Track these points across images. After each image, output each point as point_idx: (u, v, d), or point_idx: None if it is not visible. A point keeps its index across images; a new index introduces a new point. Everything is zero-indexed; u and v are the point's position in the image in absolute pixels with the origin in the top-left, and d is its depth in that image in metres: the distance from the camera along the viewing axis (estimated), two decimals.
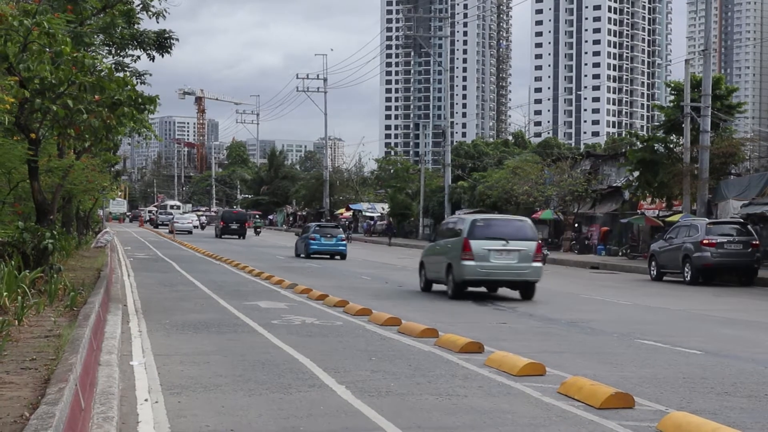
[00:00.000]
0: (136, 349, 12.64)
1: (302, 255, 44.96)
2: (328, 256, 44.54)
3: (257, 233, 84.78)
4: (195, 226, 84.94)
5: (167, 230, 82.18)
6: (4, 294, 13.58)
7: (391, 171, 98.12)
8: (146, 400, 9.16)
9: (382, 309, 18.33)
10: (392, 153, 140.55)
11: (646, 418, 8.77)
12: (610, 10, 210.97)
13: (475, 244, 22.25)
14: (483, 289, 23.71)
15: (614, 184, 55.32)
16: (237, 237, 72.41)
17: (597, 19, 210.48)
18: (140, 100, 17.42)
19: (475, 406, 9.24)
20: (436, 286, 24.68)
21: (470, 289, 23.27)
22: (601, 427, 8.41)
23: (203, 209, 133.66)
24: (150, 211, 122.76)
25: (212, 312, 18.04)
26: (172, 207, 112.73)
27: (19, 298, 13.39)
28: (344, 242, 45.88)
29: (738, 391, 10.51)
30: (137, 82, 27.96)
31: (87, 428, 7.24)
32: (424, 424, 8.39)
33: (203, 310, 18.28)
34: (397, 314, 17.06)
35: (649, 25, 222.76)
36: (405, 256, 49.46)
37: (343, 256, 44.63)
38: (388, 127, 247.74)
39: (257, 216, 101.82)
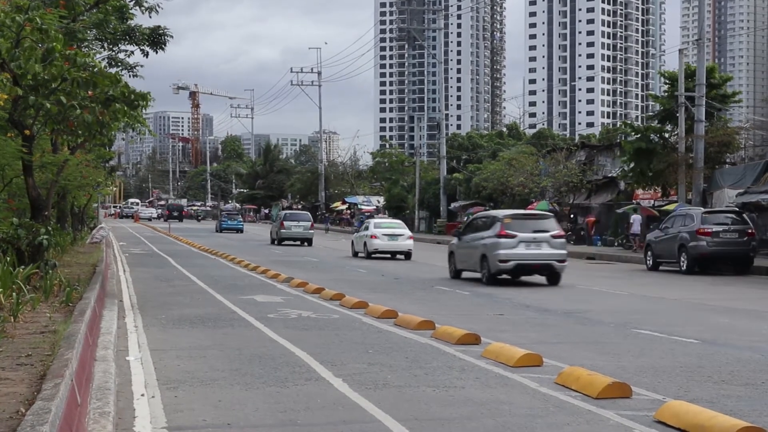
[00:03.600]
0: (132, 344, 12.62)
1: (218, 231, 75.26)
2: (235, 231, 74.17)
3: (198, 220, 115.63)
4: (154, 216, 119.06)
5: (133, 220, 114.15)
6: None
7: (386, 164, 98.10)
8: (143, 395, 9.14)
9: (378, 302, 18.32)
10: (387, 146, 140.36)
11: (643, 408, 8.77)
12: (603, 1, 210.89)
13: (286, 223, 52.43)
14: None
15: (609, 175, 55.34)
16: (177, 220, 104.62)
17: (590, 9, 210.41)
18: (132, 96, 17.38)
19: (472, 397, 9.23)
20: (440, 285, 24.86)
21: (464, 278, 23.55)
22: (598, 416, 8.40)
23: (198, 204, 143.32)
24: (115, 206, 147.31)
25: (208, 306, 18.03)
26: (132, 203, 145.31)
27: (14, 294, 13.35)
28: (242, 222, 79.74)
29: (735, 379, 10.52)
30: (129, 75, 27.92)
31: (83, 424, 7.22)
32: (422, 416, 8.38)
33: (199, 305, 18.26)
34: (394, 307, 17.05)
35: (642, 15, 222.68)
36: None
37: (241, 231, 74.86)
38: (382, 120, 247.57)
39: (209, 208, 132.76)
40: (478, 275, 25.51)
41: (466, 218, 65.02)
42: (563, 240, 25.42)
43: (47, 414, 6.11)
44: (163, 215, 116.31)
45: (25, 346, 10.19)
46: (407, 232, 40.24)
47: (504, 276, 24.82)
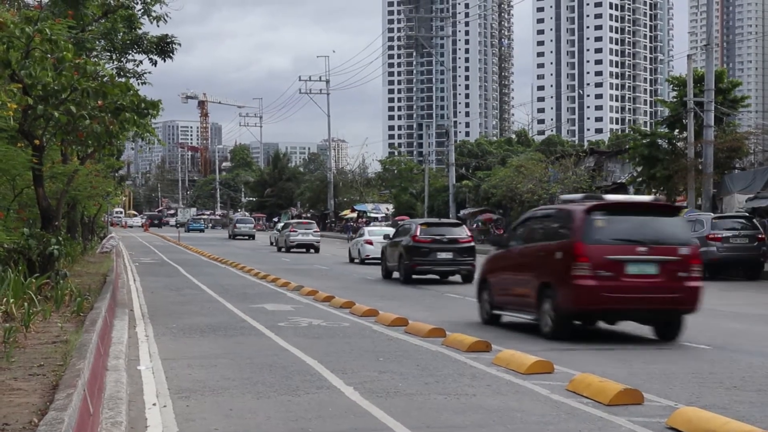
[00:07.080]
0: (143, 354, 12.63)
1: (186, 231, 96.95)
2: (198, 231, 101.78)
3: (177, 227, 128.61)
4: (137, 225, 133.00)
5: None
6: (11, 300, 13.58)
7: (395, 171, 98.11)
8: (154, 404, 9.15)
9: (388, 309, 18.31)
10: (396, 153, 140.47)
11: (655, 414, 8.74)
12: (611, 7, 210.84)
13: (238, 225, 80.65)
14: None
15: (619, 181, 55.25)
16: (157, 227, 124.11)
17: (598, 15, 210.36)
18: (143, 104, 17.42)
19: (483, 404, 9.22)
20: (450, 293, 24.82)
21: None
22: (610, 423, 8.38)
23: (208, 212, 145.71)
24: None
25: (219, 315, 18.04)
26: (118, 213, 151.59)
27: (26, 304, 13.36)
28: (203, 225, 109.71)
29: (747, 385, 10.49)
30: (138, 84, 27.95)
31: None
32: (433, 424, 8.37)
33: (210, 314, 18.28)
34: (404, 314, 17.05)
35: (650, 20, 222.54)
36: None
37: (202, 231, 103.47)
38: (391, 128, 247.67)
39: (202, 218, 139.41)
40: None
41: (475, 225, 64.92)
42: (319, 232, 55.50)
43: (60, 424, 6.12)
44: (146, 223, 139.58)
45: (37, 356, 10.21)
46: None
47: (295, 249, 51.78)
